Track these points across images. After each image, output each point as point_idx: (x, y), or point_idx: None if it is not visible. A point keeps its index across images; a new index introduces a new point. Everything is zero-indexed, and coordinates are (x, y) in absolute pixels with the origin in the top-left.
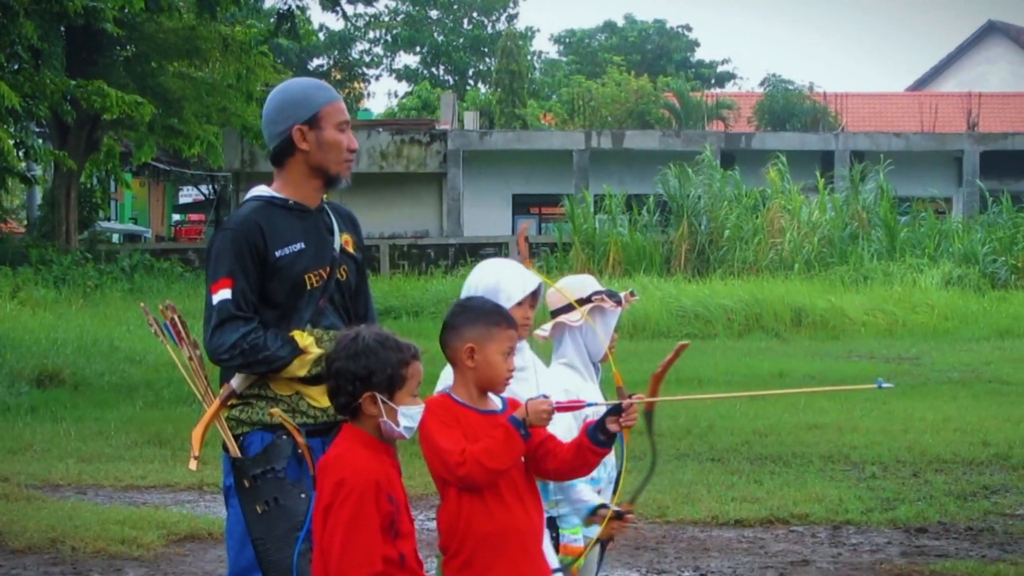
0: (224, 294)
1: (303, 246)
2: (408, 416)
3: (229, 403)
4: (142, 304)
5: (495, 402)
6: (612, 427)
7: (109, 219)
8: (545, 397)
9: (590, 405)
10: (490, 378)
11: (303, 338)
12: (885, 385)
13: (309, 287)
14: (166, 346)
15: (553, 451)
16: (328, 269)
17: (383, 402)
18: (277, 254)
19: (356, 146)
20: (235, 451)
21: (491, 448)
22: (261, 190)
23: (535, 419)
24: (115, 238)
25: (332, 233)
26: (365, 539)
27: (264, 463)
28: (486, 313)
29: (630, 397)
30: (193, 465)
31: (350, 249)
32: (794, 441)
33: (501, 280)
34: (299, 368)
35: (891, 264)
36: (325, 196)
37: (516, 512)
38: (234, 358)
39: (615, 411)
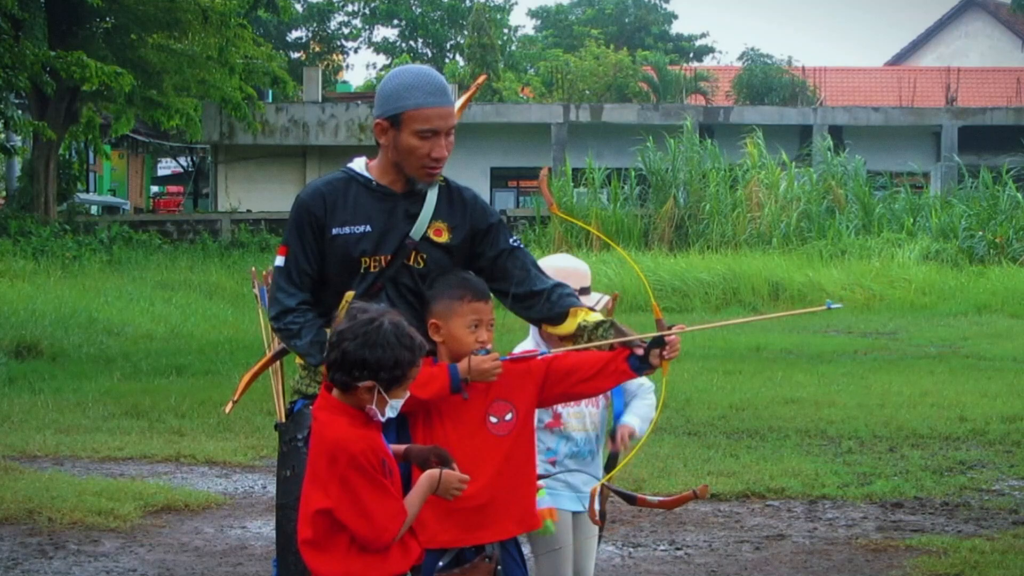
0: (279, 260)
1: (368, 229)
2: (394, 407)
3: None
4: (252, 268)
5: None
6: (655, 361)
7: (88, 191)
8: (488, 352)
9: (543, 354)
10: (457, 352)
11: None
12: (834, 306)
13: (363, 269)
14: (258, 308)
15: (568, 370)
16: (391, 256)
17: (379, 393)
18: (334, 231)
19: (443, 155)
20: (280, 416)
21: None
22: (356, 164)
23: (477, 376)
24: (94, 210)
25: (414, 220)
26: (388, 496)
27: (293, 431)
28: (450, 287)
29: (670, 329)
30: (228, 408)
31: (440, 238)
32: (771, 415)
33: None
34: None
35: (869, 239)
36: (439, 177)
37: (471, 481)
38: (277, 331)
39: (658, 344)
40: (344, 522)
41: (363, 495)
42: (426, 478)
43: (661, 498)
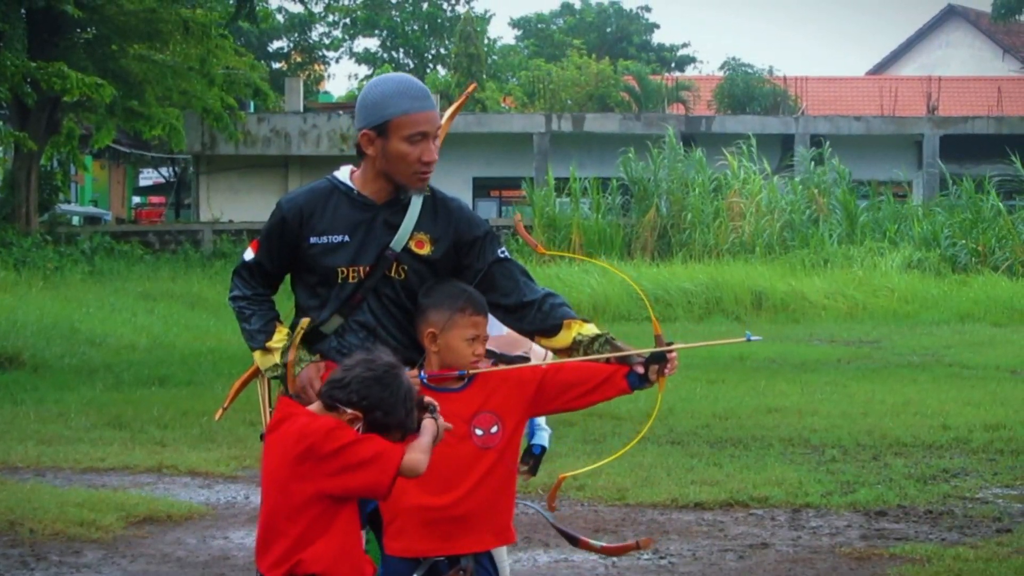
0: (248, 253)
1: (346, 239)
2: None
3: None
4: None
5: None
6: (653, 377)
7: (69, 201)
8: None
9: (461, 374)
10: (453, 363)
11: (279, 336)
12: (754, 338)
13: (340, 279)
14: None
15: (564, 385)
16: (370, 267)
17: (357, 428)
18: (311, 240)
19: (432, 158)
20: (265, 425)
21: None
22: (340, 173)
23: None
24: (75, 220)
25: (395, 231)
26: (374, 439)
27: None
28: (451, 297)
29: (669, 345)
30: (218, 415)
31: (421, 250)
32: (754, 424)
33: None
34: (259, 361)
35: (852, 248)
36: (412, 191)
37: (450, 491)
38: (232, 308)
39: (657, 360)
40: (344, 488)
41: (352, 444)
42: (429, 424)
43: (604, 544)
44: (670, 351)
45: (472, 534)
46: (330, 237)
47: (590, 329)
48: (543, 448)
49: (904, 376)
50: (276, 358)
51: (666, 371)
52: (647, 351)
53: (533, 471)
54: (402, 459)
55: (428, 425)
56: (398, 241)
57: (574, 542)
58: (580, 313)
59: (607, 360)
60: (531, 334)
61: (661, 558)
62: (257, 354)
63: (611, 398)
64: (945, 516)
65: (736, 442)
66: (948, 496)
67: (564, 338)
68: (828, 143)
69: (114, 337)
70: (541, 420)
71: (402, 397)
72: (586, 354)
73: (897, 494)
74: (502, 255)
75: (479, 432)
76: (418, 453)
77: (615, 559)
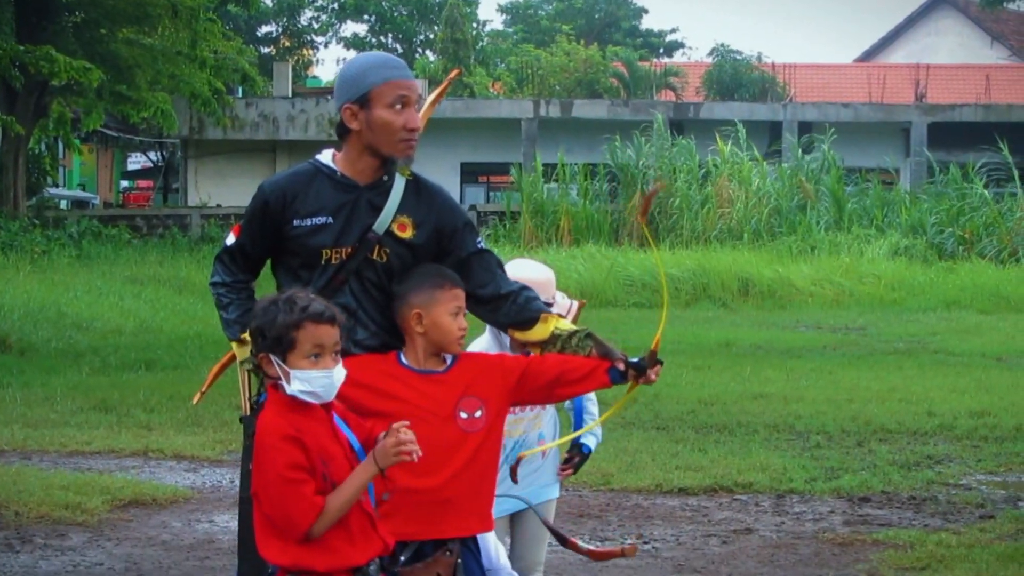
0: (230, 238)
1: (329, 220)
2: (302, 380)
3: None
4: None
5: (446, 360)
6: (630, 378)
7: (57, 185)
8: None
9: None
10: (441, 340)
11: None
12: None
13: (323, 261)
14: None
15: (547, 377)
16: (353, 249)
17: (278, 364)
18: (295, 223)
19: (416, 125)
20: (245, 409)
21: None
22: (323, 156)
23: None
24: (63, 204)
25: (378, 212)
26: (296, 489)
27: (252, 424)
28: (428, 276)
29: (658, 362)
30: (196, 399)
31: (403, 233)
32: (739, 410)
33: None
34: (236, 351)
35: (839, 235)
36: (407, 171)
37: (436, 473)
38: (212, 294)
39: (639, 370)
40: (264, 506)
41: (272, 482)
42: (361, 466)
43: (590, 547)
44: (653, 365)
45: (458, 518)
46: (313, 219)
47: (567, 324)
48: (590, 450)
49: (890, 363)
50: (244, 350)
51: (641, 381)
52: (632, 359)
53: (576, 468)
54: (310, 524)
55: (364, 462)
56: (381, 223)
57: (563, 542)
58: (571, 297)
59: (588, 354)
60: (505, 326)
61: (645, 543)
62: (234, 344)
63: (592, 391)
64: (929, 502)
65: (721, 428)
66: (932, 482)
67: (541, 331)
68: (832, 130)
69: (101, 321)
70: (595, 410)
71: (272, 308)
72: (563, 348)
73: (881, 480)
74: (480, 246)
75: (463, 415)
76: (338, 500)
77: (599, 543)
